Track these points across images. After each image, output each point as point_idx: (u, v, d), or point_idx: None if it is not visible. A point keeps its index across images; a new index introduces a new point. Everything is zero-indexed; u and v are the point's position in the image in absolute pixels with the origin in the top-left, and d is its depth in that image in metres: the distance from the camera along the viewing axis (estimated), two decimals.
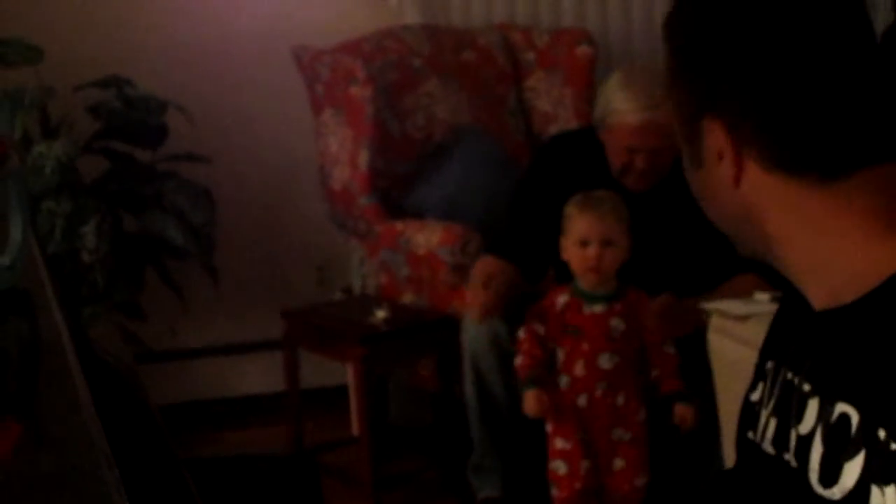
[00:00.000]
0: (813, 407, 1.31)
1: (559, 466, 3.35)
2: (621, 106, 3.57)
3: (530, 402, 3.31)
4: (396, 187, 4.44)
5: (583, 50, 4.73)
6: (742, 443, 1.50)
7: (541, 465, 3.42)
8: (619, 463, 3.33)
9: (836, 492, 1.25)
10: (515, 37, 4.84)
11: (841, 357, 1.29)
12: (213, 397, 4.84)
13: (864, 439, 1.22)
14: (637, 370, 3.35)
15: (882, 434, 1.20)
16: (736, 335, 3.00)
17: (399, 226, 4.28)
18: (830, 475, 1.26)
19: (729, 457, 2.94)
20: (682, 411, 3.31)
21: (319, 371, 4.52)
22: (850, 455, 1.24)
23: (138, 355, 4.27)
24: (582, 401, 3.31)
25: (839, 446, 1.25)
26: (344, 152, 4.40)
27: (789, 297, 1.47)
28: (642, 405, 3.34)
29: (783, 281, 1.41)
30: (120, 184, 4.29)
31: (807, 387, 1.33)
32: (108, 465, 1.02)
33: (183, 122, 4.34)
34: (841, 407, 1.26)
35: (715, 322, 3.17)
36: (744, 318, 3.01)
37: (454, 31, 4.81)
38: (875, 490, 1.20)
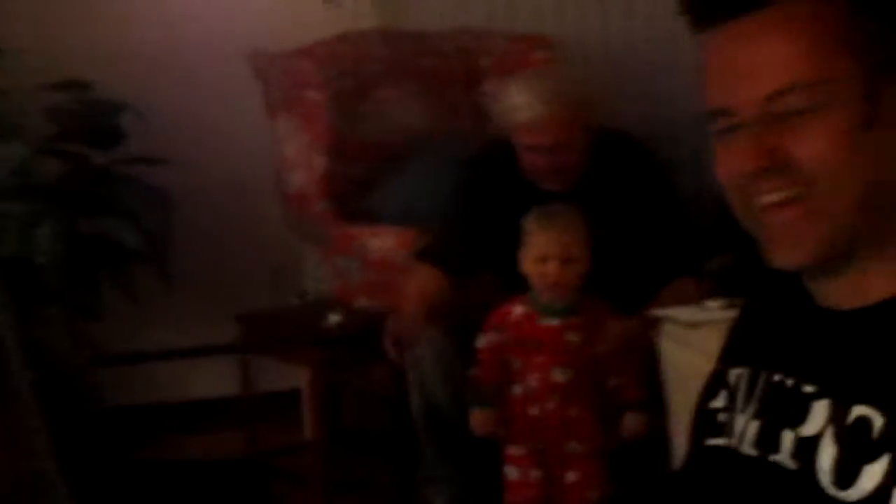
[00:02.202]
0: (820, 408, 1.30)
1: (511, 472, 3.34)
2: (513, 102, 3.53)
3: (477, 420, 3.32)
4: (353, 192, 4.43)
5: (539, 55, 4.74)
6: (699, 449, 1.50)
7: (497, 470, 3.39)
8: (571, 476, 3.28)
9: (853, 494, 1.24)
10: (472, 42, 4.84)
11: (863, 359, 1.28)
12: (168, 400, 4.82)
13: (889, 443, 1.22)
14: (593, 383, 3.31)
15: None
16: (688, 342, 3.02)
17: (354, 230, 4.27)
18: (846, 477, 1.25)
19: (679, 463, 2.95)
20: (633, 420, 3.29)
21: (274, 375, 4.51)
22: (871, 458, 1.23)
23: (94, 358, 4.26)
24: (534, 411, 3.29)
25: (857, 449, 1.24)
26: (300, 157, 4.39)
27: (755, 304, 1.48)
28: (598, 418, 3.31)
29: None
30: (75, 186, 4.27)
31: (809, 388, 1.32)
32: (55, 467, 1.02)
33: (141, 125, 4.32)
34: (859, 409, 1.25)
35: (667, 329, 3.18)
36: (696, 325, 3.03)
37: (411, 35, 4.80)
38: None
